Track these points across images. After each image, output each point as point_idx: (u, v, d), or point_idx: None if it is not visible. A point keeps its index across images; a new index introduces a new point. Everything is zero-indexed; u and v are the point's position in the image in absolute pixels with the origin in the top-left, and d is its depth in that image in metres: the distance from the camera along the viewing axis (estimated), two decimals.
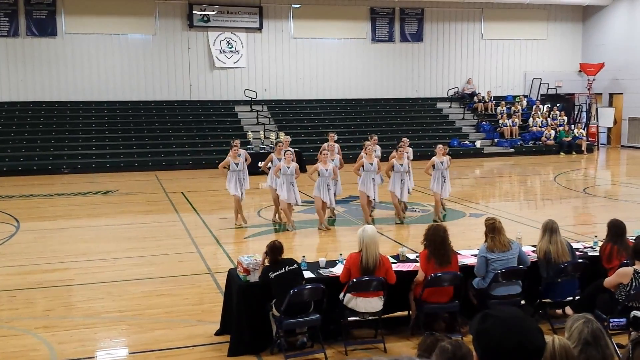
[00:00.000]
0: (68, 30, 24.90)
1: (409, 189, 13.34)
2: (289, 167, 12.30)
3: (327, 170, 12.40)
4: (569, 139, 27.02)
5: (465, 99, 29.32)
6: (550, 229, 7.30)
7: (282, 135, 22.02)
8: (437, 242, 6.99)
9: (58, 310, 8.15)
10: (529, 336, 2.46)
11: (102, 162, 22.32)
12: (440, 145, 13.23)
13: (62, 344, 6.96)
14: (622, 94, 29.20)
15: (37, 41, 24.64)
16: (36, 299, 8.61)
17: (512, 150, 26.52)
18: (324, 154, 12.55)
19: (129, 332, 7.40)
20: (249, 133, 22.77)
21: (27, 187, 18.72)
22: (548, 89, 30.08)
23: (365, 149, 12.98)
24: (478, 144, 26.36)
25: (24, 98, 24.65)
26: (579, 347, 3.34)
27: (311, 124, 26.28)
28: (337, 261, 7.50)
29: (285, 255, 6.86)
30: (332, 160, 13.05)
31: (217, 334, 7.12)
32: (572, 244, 7.66)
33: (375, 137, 14.34)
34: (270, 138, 21.79)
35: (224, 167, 13.15)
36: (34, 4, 24.41)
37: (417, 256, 7.60)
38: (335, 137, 15.42)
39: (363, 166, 12.64)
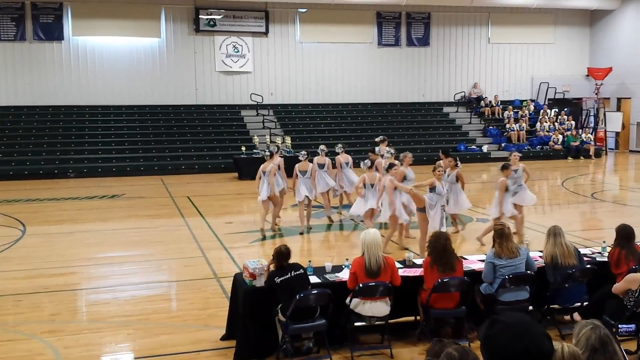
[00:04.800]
0: (74, 35, 25.00)
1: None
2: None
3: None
4: (577, 143, 26.92)
5: (472, 104, 29.24)
6: (553, 233, 7.32)
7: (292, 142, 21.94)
8: (439, 250, 6.95)
9: (64, 314, 8.14)
10: (536, 341, 2.44)
11: (108, 167, 22.35)
12: (516, 153, 12.69)
13: (67, 349, 6.96)
14: (630, 98, 29.07)
15: (43, 45, 24.74)
16: (42, 303, 8.60)
17: (520, 155, 26.34)
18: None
19: (135, 336, 7.39)
20: (255, 137, 22.75)
21: (34, 191, 18.76)
22: (555, 93, 30.00)
23: (442, 173, 10.65)
24: (485, 148, 26.29)
25: (30, 102, 24.71)
26: (586, 354, 3.30)
27: (317, 129, 26.27)
28: (344, 266, 7.47)
29: (291, 260, 6.83)
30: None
31: (223, 339, 7.10)
32: (580, 250, 7.61)
33: (410, 155, 12.22)
34: (275, 142, 21.74)
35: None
36: (41, 8, 24.53)
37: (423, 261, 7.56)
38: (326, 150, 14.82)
39: (435, 188, 10.21)
